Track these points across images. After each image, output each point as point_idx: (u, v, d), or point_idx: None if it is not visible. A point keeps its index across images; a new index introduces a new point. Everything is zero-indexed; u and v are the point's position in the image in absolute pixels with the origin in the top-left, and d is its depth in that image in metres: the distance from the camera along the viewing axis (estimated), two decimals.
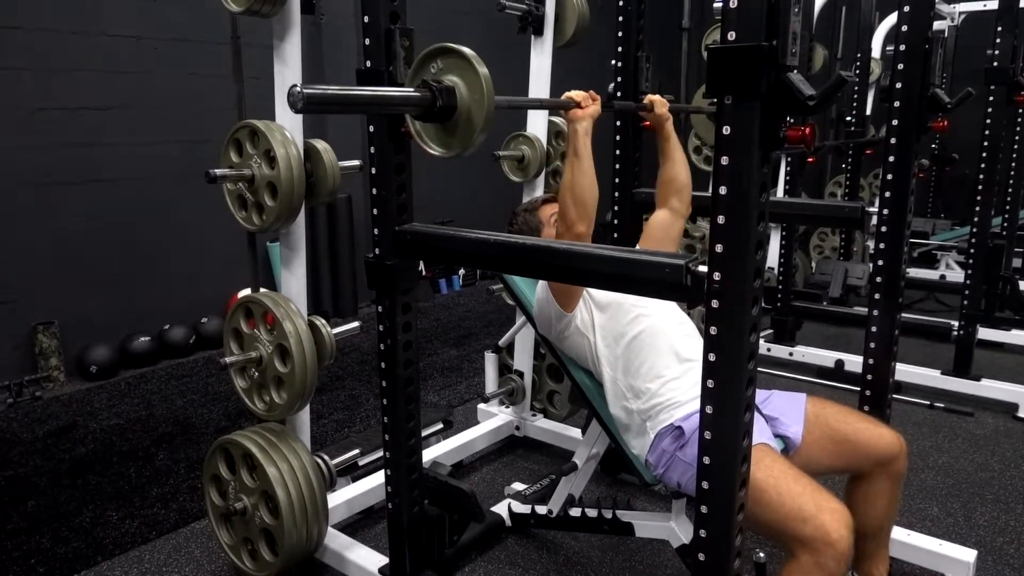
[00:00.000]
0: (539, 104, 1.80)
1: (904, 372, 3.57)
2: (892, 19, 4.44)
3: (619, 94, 2.46)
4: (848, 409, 1.91)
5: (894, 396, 3.46)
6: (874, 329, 2.09)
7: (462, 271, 5.86)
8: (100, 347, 3.89)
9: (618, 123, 2.51)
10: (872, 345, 2.10)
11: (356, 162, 2.08)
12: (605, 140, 2.72)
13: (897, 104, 1.94)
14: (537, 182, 2.74)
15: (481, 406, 3.13)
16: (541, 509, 2.31)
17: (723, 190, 1.20)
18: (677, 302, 1.88)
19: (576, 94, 1.80)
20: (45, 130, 3.69)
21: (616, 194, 2.55)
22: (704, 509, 1.32)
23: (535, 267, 1.50)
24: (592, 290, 1.98)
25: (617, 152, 2.53)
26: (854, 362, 3.65)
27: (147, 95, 3.99)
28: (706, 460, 1.30)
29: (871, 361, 2.10)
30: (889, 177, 2.00)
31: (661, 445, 1.81)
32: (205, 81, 4.15)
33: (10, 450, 3.04)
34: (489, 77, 1.34)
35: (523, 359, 2.95)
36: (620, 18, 2.43)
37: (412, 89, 1.34)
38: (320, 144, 1.98)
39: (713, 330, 1.25)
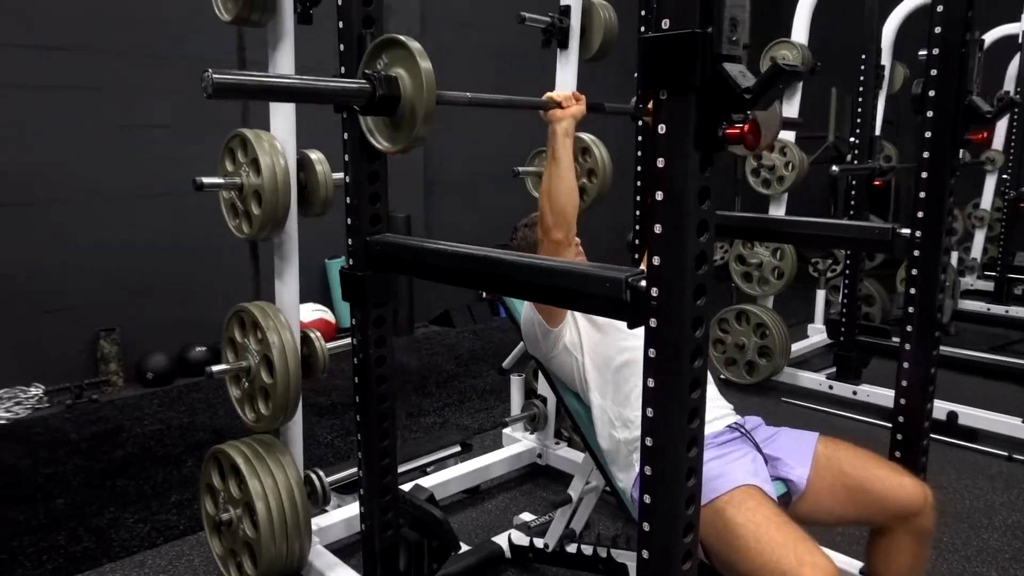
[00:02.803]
0: (515, 104, 1.71)
1: (984, 419, 3.22)
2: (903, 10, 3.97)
3: (641, 106, 2.34)
4: (867, 453, 1.70)
5: (969, 445, 3.15)
6: (906, 365, 1.87)
7: None
8: (158, 355, 4.04)
9: (639, 137, 2.38)
10: (904, 383, 1.88)
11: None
12: (628, 155, 2.61)
13: (930, 114, 1.74)
14: None
15: (506, 431, 3.03)
16: (539, 542, 2.18)
17: (659, 196, 1.08)
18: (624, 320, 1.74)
19: (557, 94, 1.72)
20: (120, 147, 3.91)
21: (637, 212, 2.42)
22: (645, 554, 1.18)
23: (484, 279, 1.41)
24: None
25: (638, 168, 2.41)
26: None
27: (201, 113, 4.16)
28: (647, 499, 1.16)
29: (902, 400, 1.88)
30: (922, 195, 1.79)
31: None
32: None
33: (57, 449, 3.17)
34: (431, 70, 1.28)
35: (547, 384, 2.83)
36: (643, 28, 2.32)
37: (349, 80, 1.29)
38: (315, 154, 1.96)
39: (652, 352, 1.12)
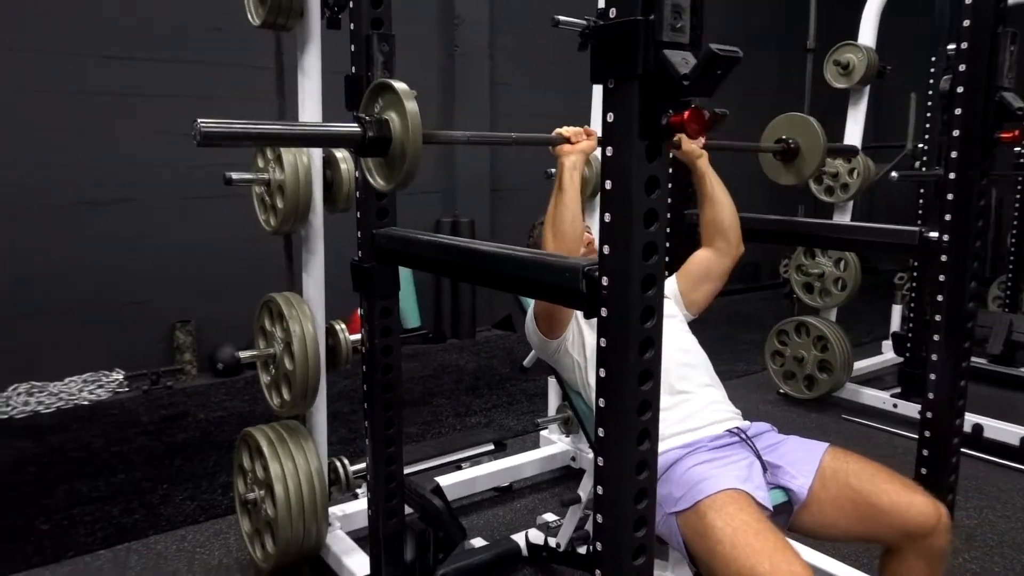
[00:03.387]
0: (520, 141, 1.72)
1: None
2: None
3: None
4: (877, 467, 1.61)
5: (1004, 462, 2.92)
6: (933, 376, 1.77)
7: None
8: (228, 346, 4.26)
9: None
10: (931, 395, 1.77)
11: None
12: None
13: (959, 111, 1.65)
14: (594, 203, 2.64)
15: (543, 433, 3.03)
16: (553, 541, 2.18)
17: (608, 185, 1.08)
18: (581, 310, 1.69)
19: (567, 130, 1.73)
20: (196, 150, 4.16)
21: (669, 215, 2.38)
22: (599, 546, 1.17)
23: (461, 269, 1.44)
24: None
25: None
26: (998, 429, 3.13)
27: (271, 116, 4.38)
28: (599, 490, 1.16)
29: (929, 415, 1.78)
30: (950, 197, 1.69)
31: None
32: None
33: (127, 430, 3.41)
34: (416, 111, 1.30)
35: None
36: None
37: (340, 125, 1.34)
38: (340, 153, 2.05)
39: (603, 342, 1.12)
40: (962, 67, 1.64)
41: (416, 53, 4.95)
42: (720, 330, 5.28)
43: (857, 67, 3.28)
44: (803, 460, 1.64)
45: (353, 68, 1.70)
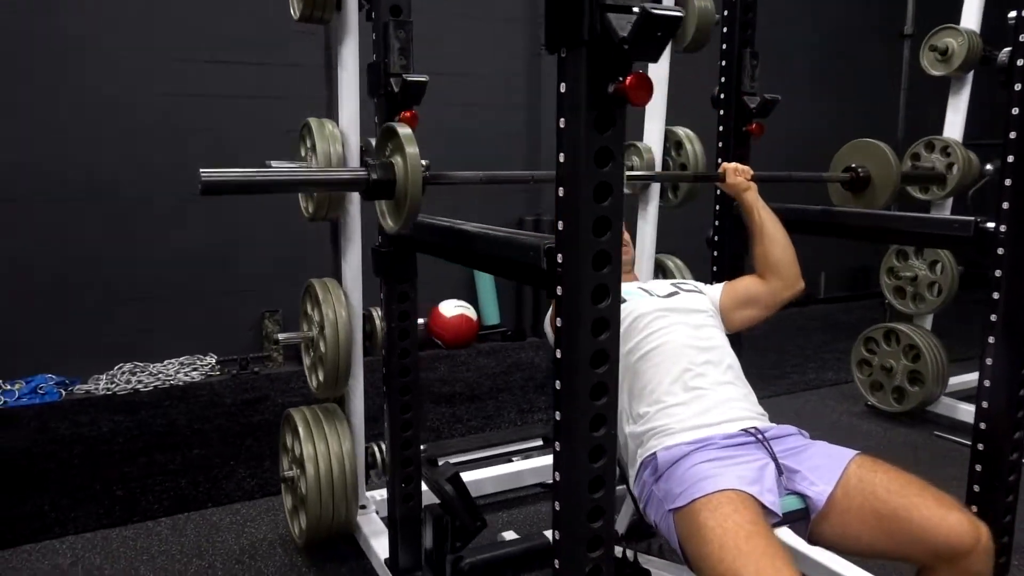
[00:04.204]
0: (536, 179, 1.69)
1: None
2: None
3: (722, 96, 2.21)
4: (910, 478, 1.47)
5: None
6: (988, 383, 1.59)
7: None
8: None
9: (720, 128, 2.25)
10: (985, 404, 1.60)
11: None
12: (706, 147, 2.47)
13: (1019, 87, 1.48)
14: (649, 193, 2.56)
15: None
16: None
17: (561, 158, 1.04)
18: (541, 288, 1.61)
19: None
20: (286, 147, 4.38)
21: (717, 207, 2.28)
22: (557, 535, 1.13)
23: (447, 250, 1.44)
24: None
25: (719, 160, 2.27)
26: None
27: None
28: (556, 476, 1.12)
29: (983, 425, 1.60)
30: (1008, 183, 1.52)
31: (643, 476, 1.58)
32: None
33: (211, 410, 3.62)
34: (416, 154, 1.32)
35: None
36: (725, 11, 2.19)
37: (347, 169, 1.37)
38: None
39: (558, 322, 1.08)
40: (1023, 36, 1.47)
41: (504, 52, 5.00)
42: (815, 337, 4.99)
43: (957, 52, 3.02)
44: (825, 467, 1.51)
45: (374, 56, 1.73)
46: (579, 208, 1.01)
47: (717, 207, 2.29)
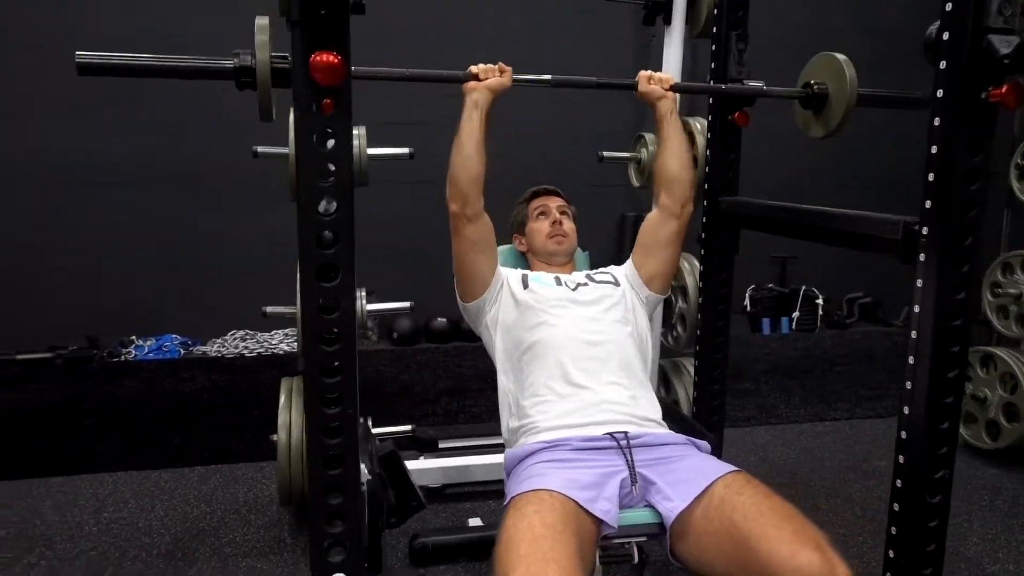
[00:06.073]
0: (429, 78, 1.68)
1: None
2: None
3: (711, 82, 2.06)
4: (776, 505, 1.30)
5: None
6: (907, 410, 1.36)
7: (795, 313, 5.17)
8: (405, 319, 4.68)
9: (708, 117, 2.09)
10: (904, 433, 1.37)
11: (405, 150, 2.25)
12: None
13: (943, 65, 1.24)
14: None
15: None
16: None
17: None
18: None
19: (478, 67, 1.67)
20: (384, 140, 4.63)
21: (704, 203, 2.12)
22: None
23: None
24: (513, 280, 1.76)
25: (708, 153, 2.11)
26: None
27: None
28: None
29: (899, 483, 1.37)
30: (931, 178, 1.28)
31: (506, 476, 1.54)
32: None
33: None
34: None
35: None
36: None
37: (210, 58, 1.47)
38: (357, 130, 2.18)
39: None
40: (948, 5, 1.23)
41: (611, 43, 4.91)
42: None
43: None
44: (688, 481, 1.38)
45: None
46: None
47: (704, 202, 2.13)
